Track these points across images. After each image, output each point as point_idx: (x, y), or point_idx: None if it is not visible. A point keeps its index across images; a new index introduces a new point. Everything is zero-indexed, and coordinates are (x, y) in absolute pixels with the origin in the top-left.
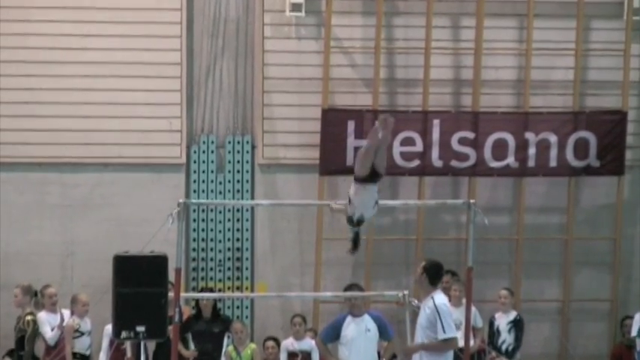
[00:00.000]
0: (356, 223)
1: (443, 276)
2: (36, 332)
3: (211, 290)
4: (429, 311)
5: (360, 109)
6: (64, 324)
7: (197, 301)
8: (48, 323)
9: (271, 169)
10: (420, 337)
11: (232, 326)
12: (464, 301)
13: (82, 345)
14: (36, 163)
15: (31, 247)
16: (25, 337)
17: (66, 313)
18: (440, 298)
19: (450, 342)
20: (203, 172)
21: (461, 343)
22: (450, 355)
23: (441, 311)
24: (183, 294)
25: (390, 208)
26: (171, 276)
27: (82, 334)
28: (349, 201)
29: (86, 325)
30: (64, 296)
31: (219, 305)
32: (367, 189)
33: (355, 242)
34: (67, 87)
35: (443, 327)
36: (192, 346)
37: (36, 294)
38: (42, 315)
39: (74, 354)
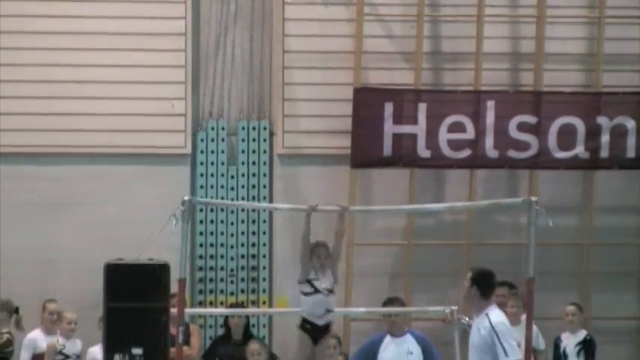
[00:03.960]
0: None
1: (495, 285)
2: (9, 355)
3: (242, 305)
4: (485, 332)
5: (400, 89)
6: (46, 345)
7: (226, 319)
8: (31, 347)
9: (292, 161)
10: None
11: (248, 347)
12: (523, 318)
13: None
14: (8, 154)
15: (1, 255)
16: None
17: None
18: (496, 314)
19: None
20: (212, 164)
21: None
22: None
23: (500, 331)
24: (188, 310)
25: None
26: (174, 288)
27: (68, 357)
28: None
29: (75, 346)
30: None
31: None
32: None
33: None
34: (49, 62)
35: (504, 350)
36: None
37: (17, 311)
38: (33, 335)
39: None
